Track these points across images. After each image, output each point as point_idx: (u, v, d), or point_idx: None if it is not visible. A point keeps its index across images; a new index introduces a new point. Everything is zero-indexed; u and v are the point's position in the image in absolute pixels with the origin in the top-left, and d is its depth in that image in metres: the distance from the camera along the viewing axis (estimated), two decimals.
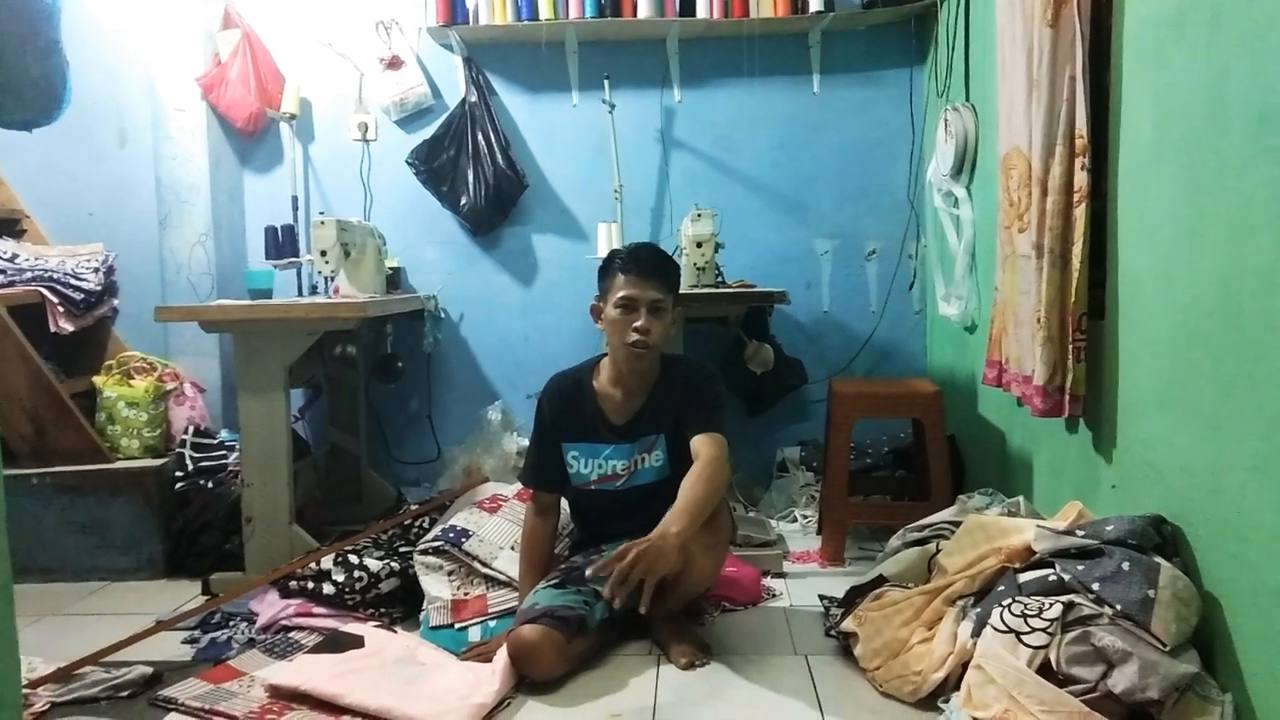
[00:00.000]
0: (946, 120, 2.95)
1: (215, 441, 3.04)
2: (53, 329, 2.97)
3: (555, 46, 3.46)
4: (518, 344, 3.63)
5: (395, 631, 2.27)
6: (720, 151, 3.55)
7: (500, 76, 3.55)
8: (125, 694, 1.98)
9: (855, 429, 2.77)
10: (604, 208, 3.41)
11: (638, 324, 2.12)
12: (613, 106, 3.28)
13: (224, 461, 2.94)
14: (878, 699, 1.88)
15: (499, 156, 3.43)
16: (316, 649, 2.15)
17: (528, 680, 1.98)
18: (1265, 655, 1.41)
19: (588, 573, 1.93)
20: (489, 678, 1.94)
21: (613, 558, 1.83)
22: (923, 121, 3.42)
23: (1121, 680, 1.49)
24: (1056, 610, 1.60)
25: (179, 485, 2.86)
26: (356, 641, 2.14)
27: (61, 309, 3.00)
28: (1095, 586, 1.60)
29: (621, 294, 2.14)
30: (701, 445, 2.09)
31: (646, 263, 2.17)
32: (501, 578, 2.33)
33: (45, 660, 2.09)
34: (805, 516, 3.14)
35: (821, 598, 2.32)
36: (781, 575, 2.64)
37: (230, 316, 2.65)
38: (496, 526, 2.48)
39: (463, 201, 3.46)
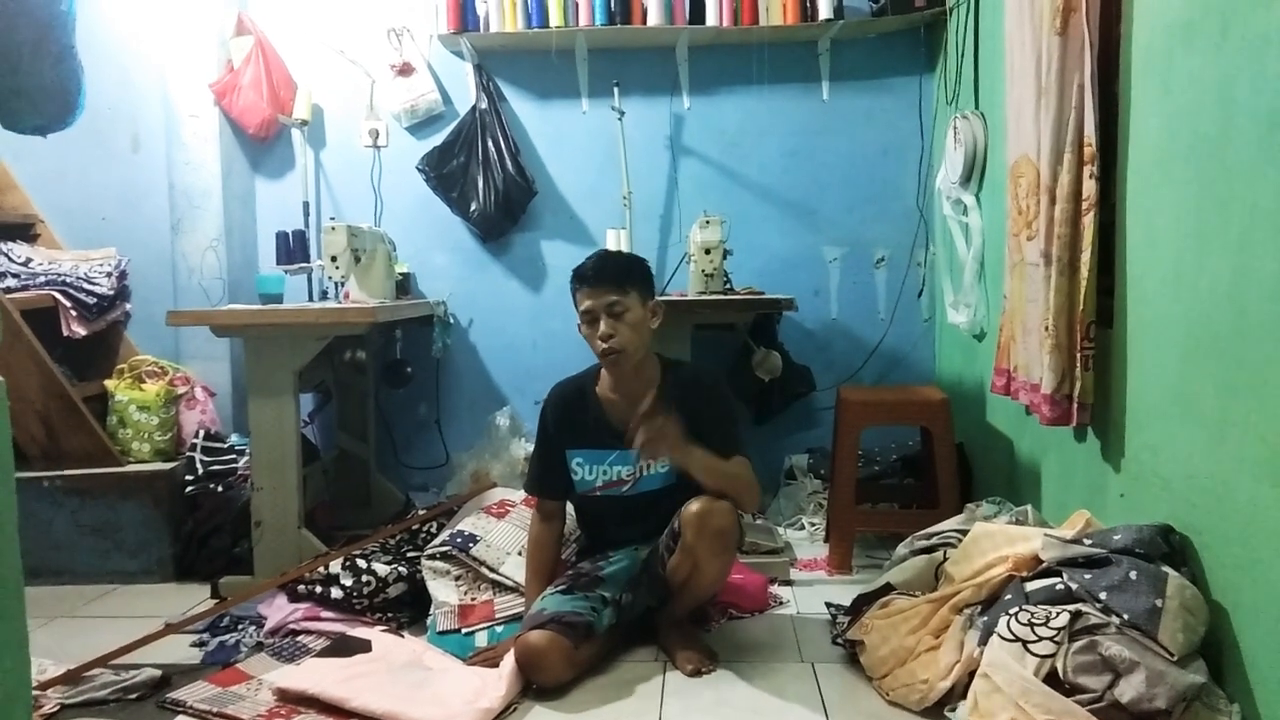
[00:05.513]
0: (955, 128, 2.95)
1: (225, 445, 3.05)
2: (65, 333, 2.99)
3: (565, 53, 3.48)
4: (526, 350, 3.63)
5: (403, 636, 2.27)
6: (729, 158, 3.55)
7: (510, 83, 3.57)
8: (134, 696, 1.99)
9: (863, 436, 2.77)
10: (613, 214, 3.42)
11: (601, 332, 2.13)
12: (622, 113, 3.29)
13: (234, 465, 2.95)
14: (884, 707, 1.87)
15: (509, 163, 3.44)
16: (324, 653, 2.16)
17: (534, 686, 1.99)
18: (1273, 665, 1.40)
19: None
20: (495, 683, 1.94)
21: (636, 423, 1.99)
22: (932, 129, 3.42)
23: (1129, 690, 1.48)
24: (1064, 619, 1.59)
25: (189, 489, 2.86)
26: (364, 646, 2.15)
27: (74, 313, 3.02)
28: (1103, 595, 1.59)
29: (581, 309, 2.16)
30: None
31: (590, 270, 2.17)
32: (509, 583, 2.33)
33: (55, 662, 2.11)
34: (813, 524, 3.14)
35: (828, 605, 2.31)
36: (788, 583, 2.64)
37: (241, 321, 2.66)
38: (504, 532, 2.48)
39: (472, 208, 3.47)
